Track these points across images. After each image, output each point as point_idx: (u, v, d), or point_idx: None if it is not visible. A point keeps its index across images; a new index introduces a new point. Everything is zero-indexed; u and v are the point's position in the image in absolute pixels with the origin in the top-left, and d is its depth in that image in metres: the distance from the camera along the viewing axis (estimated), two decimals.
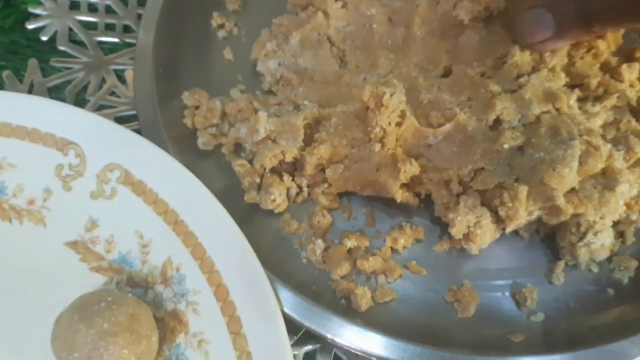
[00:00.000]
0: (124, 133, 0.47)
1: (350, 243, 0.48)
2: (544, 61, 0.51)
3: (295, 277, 0.47)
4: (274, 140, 0.49)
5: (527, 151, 0.47)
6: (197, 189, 0.45)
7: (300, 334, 0.46)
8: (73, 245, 0.46)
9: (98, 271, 0.45)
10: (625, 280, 0.48)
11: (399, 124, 0.48)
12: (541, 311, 0.46)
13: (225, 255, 0.43)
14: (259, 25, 0.58)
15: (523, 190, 0.44)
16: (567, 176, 0.44)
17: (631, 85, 0.51)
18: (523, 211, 0.45)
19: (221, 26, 0.59)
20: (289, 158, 0.49)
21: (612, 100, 0.50)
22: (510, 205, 0.45)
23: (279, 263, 0.47)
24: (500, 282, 0.48)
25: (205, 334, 0.42)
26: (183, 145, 0.51)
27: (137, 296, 0.44)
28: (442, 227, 0.49)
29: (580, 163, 0.45)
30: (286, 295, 0.44)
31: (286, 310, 0.43)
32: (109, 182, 0.46)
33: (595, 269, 0.48)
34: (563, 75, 0.51)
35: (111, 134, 0.47)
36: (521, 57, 0.51)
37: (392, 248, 0.49)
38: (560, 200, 0.44)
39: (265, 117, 0.49)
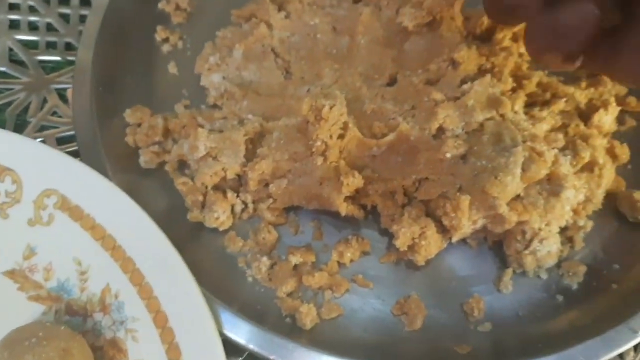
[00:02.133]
0: (60, 157, 0.46)
1: (295, 259, 0.47)
2: (494, 54, 0.50)
3: (240, 297, 0.46)
4: (214, 158, 0.48)
5: (469, 159, 0.46)
6: (135, 213, 0.44)
7: (245, 355, 0.46)
8: (11, 274, 0.45)
9: (37, 300, 0.44)
10: (575, 286, 0.47)
11: (341, 136, 0.47)
12: (489, 321, 0.46)
13: (163, 280, 0.42)
14: (205, 38, 0.57)
15: (465, 200, 0.44)
16: (510, 184, 0.44)
17: (587, 87, 0.51)
18: (466, 221, 0.44)
19: (165, 40, 0.58)
20: (230, 175, 0.48)
21: (560, 105, 0.50)
22: (453, 215, 0.44)
23: (223, 283, 0.47)
24: (449, 292, 0.48)
25: None
26: (125, 164, 0.50)
27: (76, 325, 0.43)
28: (390, 239, 0.48)
29: (524, 170, 0.44)
30: (228, 317, 0.43)
31: (227, 332, 0.42)
32: (46, 208, 0.45)
33: (544, 276, 0.48)
34: (510, 80, 0.50)
35: (47, 159, 0.46)
36: (468, 54, 0.50)
37: (339, 262, 0.48)
38: (503, 209, 0.44)
39: (205, 133, 0.48)
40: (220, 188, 0.50)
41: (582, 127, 0.50)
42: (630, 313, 0.43)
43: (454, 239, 0.46)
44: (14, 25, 0.59)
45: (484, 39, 0.53)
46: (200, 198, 0.49)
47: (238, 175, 0.49)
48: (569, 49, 0.37)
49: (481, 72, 0.51)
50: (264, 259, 0.47)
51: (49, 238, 0.45)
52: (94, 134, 0.50)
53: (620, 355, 0.45)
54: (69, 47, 0.59)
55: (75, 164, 0.46)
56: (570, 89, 0.51)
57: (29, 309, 0.44)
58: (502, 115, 0.48)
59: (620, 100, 0.52)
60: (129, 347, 0.42)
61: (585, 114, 0.51)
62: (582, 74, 0.52)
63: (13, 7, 0.60)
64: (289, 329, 0.45)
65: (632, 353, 0.46)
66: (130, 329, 0.42)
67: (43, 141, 0.54)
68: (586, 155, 0.47)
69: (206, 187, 0.49)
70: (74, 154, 0.48)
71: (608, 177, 0.48)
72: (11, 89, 0.56)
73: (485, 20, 0.53)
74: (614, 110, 0.50)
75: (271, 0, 0.55)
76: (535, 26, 0.39)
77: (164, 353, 0.41)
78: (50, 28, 0.60)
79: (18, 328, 0.40)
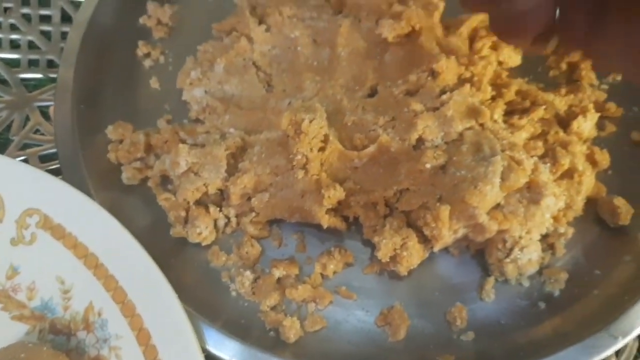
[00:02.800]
0: (41, 176, 0.46)
1: (278, 272, 0.48)
2: (473, 63, 0.50)
3: (224, 311, 0.47)
4: (196, 173, 0.48)
5: (449, 170, 0.46)
6: (116, 231, 0.44)
7: None
8: None
9: (20, 320, 0.44)
10: (557, 293, 0.47)
11: (322, 149, 0.48)
12: (471, 330, 0.46)
13: (146, 298, 0.42)
14: (187, 52, 0.57)
15: (445, 210, 0.44)
16: (489, 193, 0.44)
17: (567, 94, 0.51)
18: (447, 231, 0.45)
19: (147, 55, 0.58)
20: (212, 190, 0.48)
21: (539, 113, 0.50)
22: (434, 225, 0.45)
23: (207, 298, 0.47)
24: (432, 302, 0.48)
25: None
26: (107, 181, 0.50)
27: (60, 344, 0.43)
28: (373, 250, 0.48)
29: (503, 179, 0.45)
30: (211, 333, 0.43)
31: (211, 349, 0.43)
32: (28, 228, 0.45)
33: (526, 283, 0.48)
34: (489, 88, 0.50)
35: (28, 178, 0.46)
36: (447, 64, 0.50)
37: (322, 274, 0.48)
38: (483, 218, 0.44)
39: (186, 149, 0.48)
40: (202, 203, 0.50)
41: (561, 134, 0.50)
42: (611, 319, 0.44)
43: (436, 249, 0.47)
44: None
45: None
46: (183, 213, 0.49)
47: (220, 190, 0.49)
48: (527, 33, 0.38)
49: (460, 81, 0.51)
50: (247, 272, 0.48)
51: (32, 257, 0.45)
52: (75, 152, 0.50)
53: None
54: (51, 64, 0.59)
55: (57, 183, 0.46)
56: (550, 96, 0.51)
57: (12, 329, 0.44)
58: (481, 125, 0.48)
59: (599, 106, 0.52)
60: None
61: (565, 121, 0.51)
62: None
63: None
64: (273, 343, 0.45)
65: (613, 359, 0.46)
66: (114, 346, 0.42)
67: (26, 159, 0.54)
68: (566, 162, 0.47)
69: (188, 203, 0.49)
70: (57, 172, 0.49)
71: (588, 183, 0.49)
72: None
73: (465, 31, 0.53)
74: (593, 116, 0.51)
75: (251, 14, 0.55)
76: (494, 11, 0.39)
77: None
78: (32, 46, 0.60)
79: (0, 349, 0.40)
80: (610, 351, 0.43)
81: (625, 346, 0.47)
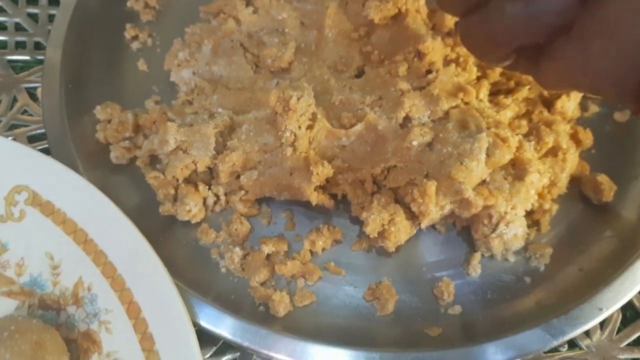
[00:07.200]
0: (30, 153, 0.46)
1: (268, 249, 0.48)
2: (459, 44, 0.51)
3: (214, 287, 0.47)
4: (185, 151, 0.48)
5: (436, 147, 0.47)
6: (106, 207, 0.44)
7: (220, 343, 0.46)
8: None
9: (9, 296, 0.44)
10: (542, 268, 0.48)
11: (310, 127, 0.48)
12: (459, 304, 0.47)
13: (135, 272, 0.43)
14: (174, 35, 0.57)
15: (432, 185, 0.45)
16: (475, 169, 0.45)
17: None
18: (433, 206, 0.45)
19: (135, 37, 0.58)
20: (201, 168, 0.48)
21: (524, 92, 0.51)
22: (421, 201, 0.45)
23: (197, 274, 0.47)
24: (419, 277, 0.48)
25: (118, 352, 0.42)
26: (96, 161, 0.50)
27: (50, 319, 0.43)
28: (361, 227, 0.49)
29: (488, 155, 0.45)
30: (202, 307, 0.43)
31: (201, 322, 0.43)
32: (17, 205, 0.45)
33: (511, 259, 0.48)
34: (475, 69, 0.51)
35: (17, 155, 0.46)
36: (433, 45, 0.51)
37: (311, 251, 0.49)
38: (469, 194, 0.45)
39: (174, 127, 0.48)
40: (191, 181, 0.50)
41: (545, 113, 0.51)
42: (596, 291, 0.44)
43: (423, 225, 0.47)
44: None
45: (450, 34, 0.54)
46: (172, 191, 0.49)
47: (209, 168, 0.50)
48: (499, 54, 0.39)
49: (446, 62, 0.52)
50: (237, 249, 0.48)
51: (21, 234, 0.45)
52: (64, 131, 0.50)
53: (587, 333, 0.46)
54: (38, 46, 0.59)
55: (46, 160, 0.46)
56: None
57: (1, 305, 0.44)
58: (467, 103, 0.49)
59: None
60: (102, 339, 0.42)
61: (549, 101, 0.52)
62: None
63: None
64: (263, 317, 0.45)
65: (598, 331, 0.47)
66: (103, 320, 0.43)
67: (14, 139, 0.54)
68: (550, 141, 0.48)
69: (177, 181, 0.49)
70: (45, 152, 0.49)
71: (572, 161, 0.50)
72: None
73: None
74: (576, 96, 0.52)
75: None
76: (468, 26, 0.39)
77: (138, 343, 0.41)
78: (19, 28, 0.60)
79: None
80: (594, 322, 0.43)
81: (610, 318, 0.47)
